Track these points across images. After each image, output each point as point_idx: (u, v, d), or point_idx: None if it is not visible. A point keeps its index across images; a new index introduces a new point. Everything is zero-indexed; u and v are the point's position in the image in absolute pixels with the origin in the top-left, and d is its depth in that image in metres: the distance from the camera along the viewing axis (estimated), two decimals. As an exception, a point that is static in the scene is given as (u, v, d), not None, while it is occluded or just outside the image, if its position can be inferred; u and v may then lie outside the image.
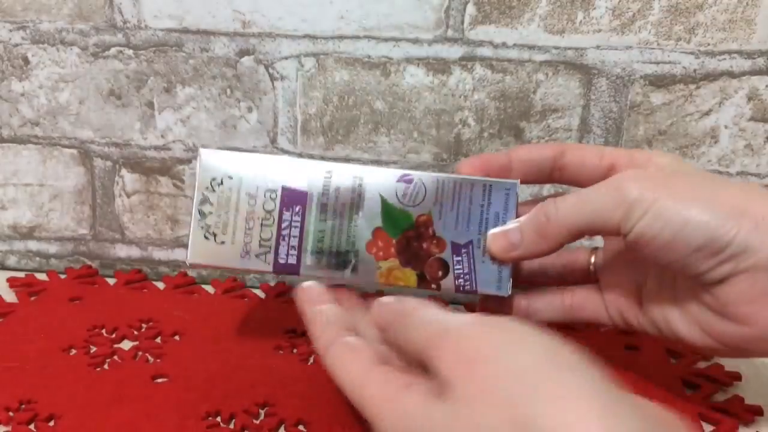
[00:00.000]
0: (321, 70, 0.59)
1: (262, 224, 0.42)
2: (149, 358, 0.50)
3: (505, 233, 0.40)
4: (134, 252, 0.66)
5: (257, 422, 0.43)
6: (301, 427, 0.43)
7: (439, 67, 0.58)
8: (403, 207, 0.42)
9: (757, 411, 0.45)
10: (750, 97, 0.56)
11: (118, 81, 0.62)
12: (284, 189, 0.42)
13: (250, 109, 0.61)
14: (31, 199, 0.65)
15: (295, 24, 0.58)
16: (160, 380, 0.47)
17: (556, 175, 0.42)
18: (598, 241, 0.47)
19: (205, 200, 0.42)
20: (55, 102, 0.63)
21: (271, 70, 0.60)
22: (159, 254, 0.66)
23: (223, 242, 0.42)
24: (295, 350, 0.51)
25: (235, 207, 0.42)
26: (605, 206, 0.36)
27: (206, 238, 0.42)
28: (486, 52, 0.57)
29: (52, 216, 0.65)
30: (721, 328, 0.35)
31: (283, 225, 0.42)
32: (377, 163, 0.61)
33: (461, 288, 0.42)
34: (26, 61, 0.62)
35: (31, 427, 0.43)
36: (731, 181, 0.41)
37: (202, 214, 0.42)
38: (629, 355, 0.52)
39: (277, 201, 0.42)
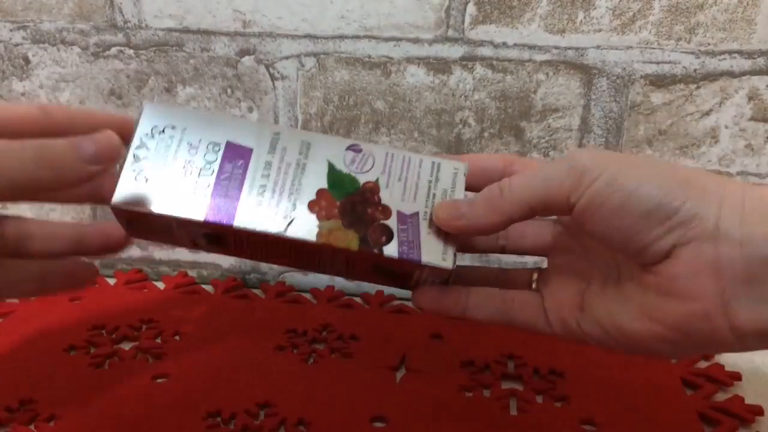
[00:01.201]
0: (321, 70, 0.59)
1: (200, 173, 0.40)
2: (149, 358, 0.50)
3: (454, 202, 0.39)
4: (134, 252, 0.66)
5: (257, 422, 0.43)
6: (301, 427, 0.43)
7: (439, 66, 0.58)
8: (351, 172, 0.41)
9: (757, 411, 0.45)
10: (750, 96, 0.56)
11: (119, 81, 0.62)
12: (229, 143, 0.41)
13: (250, 109, 0.61)
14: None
15: (295, 24, 0.58)
16: (160, 380, 0.48)
17: None
18: (543, 263, 0.46)
19: (142, 145, 0.40)
20: (56, 101, 0.63)
21: (271, 70, 0.60)
22: (159, 254, 0.66)
23: (153, 188, 0.40)
24: (295, 350, 0.52)
25: (173, 154, 0.40)
26: (556, 176, 0.35)
27: (137, 180, 0.40)
28: (486, 51, 0.57)
29: (52, 216, 0.65)
30: (666, 307, 0.34)
31: (222, 176, 0.40)
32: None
33: (404, 255, 0.40)
34: (27, 60, 0.62)
35: (31, 427, 0.43)
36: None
37: (136, 158, 0.40)
38: (629, 355, 0.52)
39: (220, 153, 0.41)
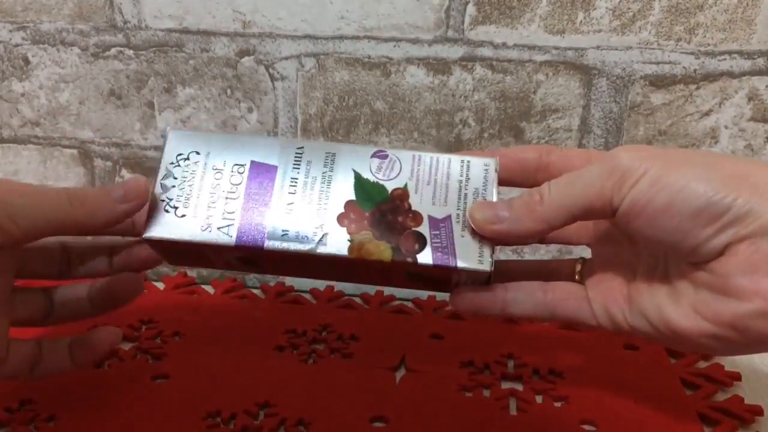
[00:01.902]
0: (321, 71, 0.59)
1: (227, 198, 0.40)
2: (149, 358, 0.50)
3: (492, 204, 0.38)
4: (134, 252, 0.66)
5: (257, 422, 0.43)
6: (301, 427, 0.43)
7: (439, 67, 0.58)
8: (378, 180, 0.40)
9: (757, 411, 0.45)
10: (750, 97, 0.56)
11: (119, 81, 0.62)
12: (253, 163, 0.40)
13: (250, 110, 0.61)
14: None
15: (295, 24, 0.58)
16: (160, 380, 0.47)
17: (540, 176, 0.40)
18: (587, 253, 0.45)
19: (168, 174, 0.40)
20: (56, 102, 0.63)
21: (271, 71, 0.60)
22: (159, 254, 0.66)
23: (184, 215, 0.40)
24: (295, 350, 0.51)
25: (200, 180, 0.40)
26: (598, 177, 0.34)
27: (167, 211, 0.40)
28: (486, 52, 0.57)
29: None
30: (720, 306, 0.32)
31: (250, 197, 0.40)
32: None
33: (439, 261, 0.38)
34: (26, 61, 0.62)
35: (31, 427, 0.43)
36: (731, 155, 0.38)
37: (164, 187, 0.40)
38: (629, 355, 0.52)
39: (245, 174, 0.40)
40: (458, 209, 0.39)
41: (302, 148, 0.41)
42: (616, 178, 0.33)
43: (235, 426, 0.43)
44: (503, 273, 0.40)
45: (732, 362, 0.51)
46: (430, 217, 0.39)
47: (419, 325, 0.55)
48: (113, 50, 0.61)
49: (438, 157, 0.40)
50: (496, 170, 0.40)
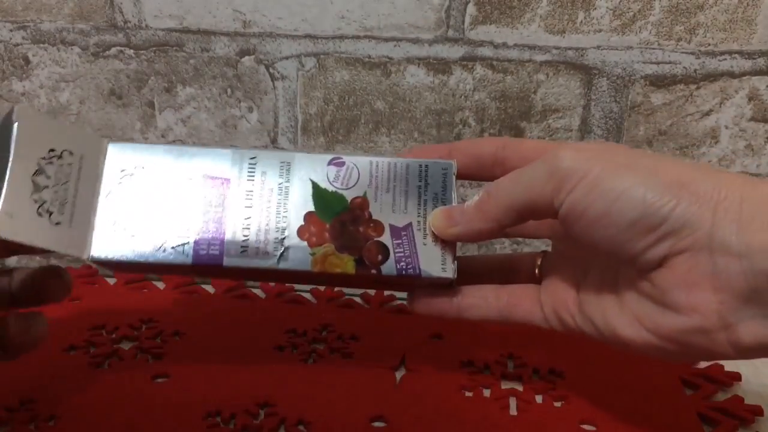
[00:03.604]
0: (321, 70, 0.59)
1: (180, 215, 0.38)
2: (149, 358, 0.50)
3: (447, 209, 0.37)
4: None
5: (257, 422, 0.43)
6: (301, 427, 0.43)
7: (439, 67, 0.58)
8: (336, 190, 0.39)
9: (757, 411, 0.45)
10: (750, 97, 0.56)
11: (119, 81, 0.62)
12: (205, 177, 0.38)
13: (250, 109, 0.61)
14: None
15: (295, 24, 0.58)
16: (160, 380, 0.47)
17: (497, 171, 0.39)
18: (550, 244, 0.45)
19: (111, 192, 0.37)
20: (56, 102, 0.63)
21: (271, 70, 0.60)
22: (159, 254, 0.66)
23: (134, 235, 0.37)
24: (295, 350, 0.51)
25: (148, 197, 0.38)
26: (538, 178, 0.33)
27: (115, 231, 0.37)
28: (486, 52, 0.57)
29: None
30: (660, 319, 0.32)
31: (204, 215, 0.38)
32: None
33: (403, 271, 0.38)
34: (27, 60, 0.62)
35: (31, 427, 0.43)
36: (679, 158, 0.37)
37: (109, 206, 0.37)
38: (628, 355, 0.52)
39: (198, 190, 0.38)
40: (419, 216, 0.39)
41: (255, 158, 0.39)
42: (556, 180, 0.32)
43: (235, 426, 0.43)
44: (466, 269, 0.40)
45: (732, 362, 0.51)
46: (392, 226, 0.39)
47: (419, 325, 0.55)
48: (113, 50, 0.61)
49: (396, 163, 0.39)
50: (454, 173, 0.39)
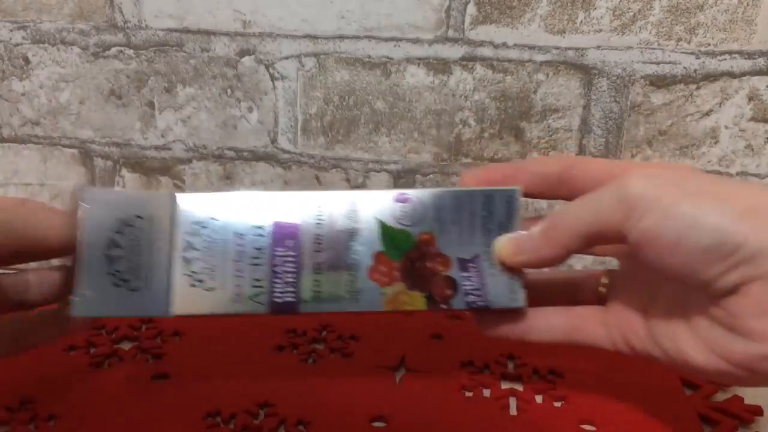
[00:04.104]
0: (321, 70, 0.59)
1: (252, 264, 0.38)
2: (149, 358, 0.50)
3: (514, 237, 0.37)
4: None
5: (257, 422, 0.43)
6: (301, 427, 0.43)
7: (439, 67, 0.58)
8: (403, 227, 0.39)
9: (756, 411, 0.45)
10: (750, 97, 0.56)
11: (119, 81, 0.62)
12: (274, 225, 0.39)
13: (250, 109, 0.61)
14: (31, 198, 0.65)
15: (295, 24, 0.58)
16: (160, 380, 0.47)
17: (563, 190, 0.39)
18: (614, 263, 0.45)
19: (188, 246, 0.38)
20: (56, 102, 0.63)
21: (271, 70, 0.60)
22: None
23: (211, 288, 0.38)
24: (295, 350, 0.51)
25: (223, 249, 0.38)
26: (607, 205, 0.33)
27: (193, 286, 0.38)
28: (486, 52, 0.57)
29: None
30: (731, 346, 0.32)
31: (276, 262, 0.39)
32: (378, 162, 0.61)
33: (473, 304, 0.39)
34: (27, 60, 0.62)
35: (31, 427, 0.43)
36: (748, 183, 0.37)
37: (186, 261, 0.38)
38: (628, 355, 0.52)
39: (268, 238, 0.39)
40: (486, 246, 0.39)
41: (321, 201, 0.39)
42: (625, 208, 0.33)
43: (235, 426, 0.43)
44: (530, 288, 0.40)
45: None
46: (459, 259, 0.39)
47: (419, 325, 0.55)
48: (113, 50, 0.61)
49: (460, 194, 0.39)
50: (518, 201, 0.39)
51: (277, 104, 0.61)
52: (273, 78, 0.60)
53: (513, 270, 0.38)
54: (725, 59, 0.55)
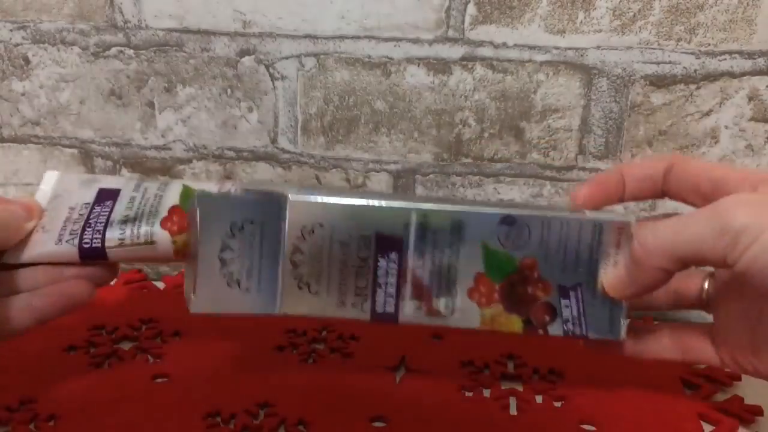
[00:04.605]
0: (321, 70, 0.59)
1: (356, 272, 0.39)
2: (149, 358, 0.50)
3: (618, 273, 0.37)
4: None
5: (257, 422, 0.43)
6: (300, 427, 0.43)
7: (439, 67, 0.58)
8: (506, 251, 0.39)
9: (756, 411, 0.45)
10: (750, 97, 0.56)
11: (119, 81, 0.62)
12: (378, 235, 0.39)
13: (250, 109, 0.61)
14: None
15: (295, 24, 0.58)
16: (160, 380, 0.48)
17: (664, 190, 0.39)
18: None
19: (296, 250, 0.39)
20: (56, 102, 0.63)
21: (271, 70, 0.60)
22: (159, 254, 0.66)
23: (317, 292, 0.39)
24: (294, 350, 0.52)
25: (327, 256, 0.39)
26: (707, 235, 0.32)
27: (300, 288, 0.39)
28: (486, 52, 0.57)
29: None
30: None
31: (379, 272, 0.39)
32: (378, 162, 0.61)
33: (570, 333, 0.39)
34: (27, 60, 0.62)
35: (31, 427, 0.43)
36: None
37: (294, 264, 0.39)
38: (628, 356, 0.52)
39: (372, 248, 0.39)
40: (589, 276, 0.38)
41: (426, 215, 0.39)
42: (729, 238, 0.32)
43: (235, 426, 0.43)
44: (634, 302, 0.40)
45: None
46: (560, 286, 0.39)
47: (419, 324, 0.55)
48: (113, 50, 0.61)
49: (569, 221, 0.39)
50: (630, 232, 0.38)
51: (277, 104, 0.61)
52: (273, 78, 0.60)
53: (615, 301, 0.38)
54: (725, 59, 0.55)
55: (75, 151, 0.64)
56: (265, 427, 0.42)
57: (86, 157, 0.64)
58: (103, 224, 0.41)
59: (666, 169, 0.38)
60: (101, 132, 0.63)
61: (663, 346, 0.39)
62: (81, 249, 0.41)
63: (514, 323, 0.39)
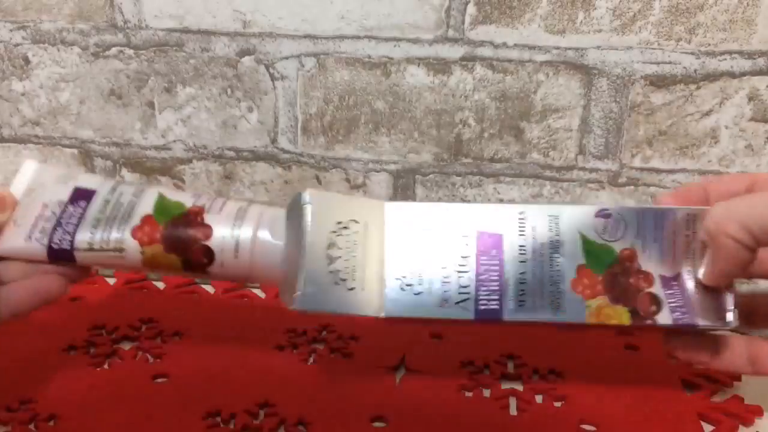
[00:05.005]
0: (321, 70, 0.59)
1: (459, 271, 0.40)
2: (149, 358, 0.50)
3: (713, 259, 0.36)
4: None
5: (257, 422, 0.43)
6: (300, 427, 0.43)
7: (439, 67, 0.58)
8: (605, 242, 0.39)
9: (756, 411, 0.45)
10: (750, 97, 0.56)
11: (119, 81, 0.62)
12: (479, 234, 0.40)
13: (250, 109, 0.61)
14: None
15: (295, 24, 0.58)
16: (160, 380, 0.48)
17: None
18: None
19: (398, 251, 0.40)
20: (56, 102, 0.63)
21: (271, 70, 0.60)
22: (159, 254, 0.66)
23: (420, 293, 0.39)
24: (295, 350, 0.52)
25: (430, 255, 0.40)
26: None
27: (402, 290, 0.39)
28: (486, 52, 0.57)
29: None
30: None
31: (481, 270, 0.39)
32: (378, 162, 0.61)
33: (680, 321, 0.39)
34: (27, 60, 0.62)
35: (31, 426, 0.43)
36: None
37: (396, 265, 0.40)
38: (629, 355, 0.52)
39: (473, 247, 0.40)
40: (688, 266, 0.39)
41: (524, 212, 0.40)
42: None
43: (235, 426, 0.43)
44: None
45: (732, 362, 0.51)
46: (662, 277, 0.39)
47: (419, 325, 0.55)
48: (113, 50, 0.61)
49: (663, 212, 0.39)
50: None
51: (277, 104, 0.61)
52: (273, 78, 0.60)
53: (721, 288, 0.38)
54: (725, 59, 0.55)
55: (75, 151, 0.64)
56: (265, 427, 0.42)
57: (86, 157, 0.64)
58: (74, 225, 0.40)
59: (748, 187, 0.38)
60: (101, 132, 0.63)
61: (739, 356, 0.39)
62: (50, 249, 0.40)
63: (621, 315, 0.39)
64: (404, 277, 0.39)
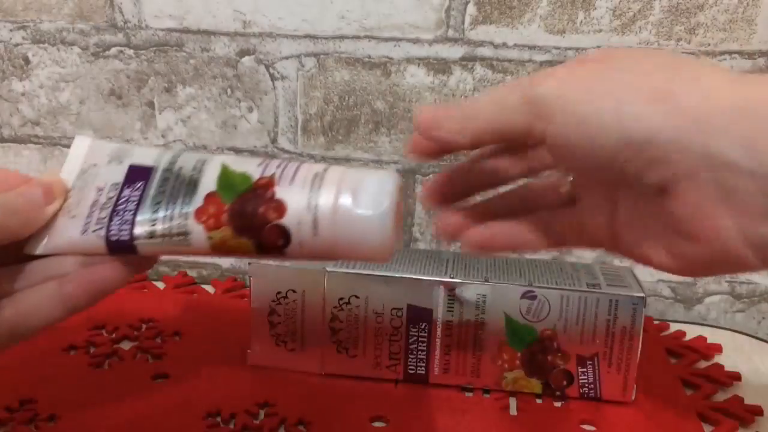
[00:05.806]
0: (321, 70, 0.59)
1: (390, 340, 0.45)
2: (149, 358, 0.50)
3: (434, 110, 0.34)
4: (134, 252, 0.66)
5: (257, 422, 0.43)
6: (301, 427, 0.43)
7: (439, 67, 0.58)
8: (528, 323, 0.43)
9: (756, 411, 0.45)
10: (750, 97, 0.56)
11: (119, 81, 0.62)
12: (408, 307, 0.44)
13: (250, 109, 0.61)
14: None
15: (295, 24, 0.58)
16: (160, 380, 0.47)
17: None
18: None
19: (335, 318, 0.45)
20: (56, 102, 0.63)
21: (271, 70, 0.60)
22: (159, 254, 0.66)
23: (355, 356, 0.46)
24: (295, 350, 0.51)
25: (363, 324, 0.45)
26: (510, 108, 0.30)
27: (339, 352, 0.46)
28: (486, 52, 0.57)
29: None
30: (685, 249, 0.29)
31: (411, 340, 0.45)
32: (378, 162, 0.61)
33: (585, 395, 0.44)
34: (27, 60, 0.62)
35: (31, 427, 0.43)
36: (667, 57, 0.31)
37: (333, 330, 0.45)
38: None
39: (404, 318, 0.45)
40: (605, 347, 0.43)
41: (453, 289, 0.44)
42: (531, 110, 0.29)
43: (235, 426, 0.42)
44: (483, 214, 0.37)
45: (732, 363, 0.51)
46: (578, 356, 0.43)
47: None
48: (113, 50, 0.61)
49: (587, 297, 0.43)
50: (643, 307, 0.43)
51: (277, 104, 0.61)
52: (273, 78, 0.60)
53: (628, 369, 0.44)
54: (725, 59, 0.55)
55: (75, 151, 0.64)
56: (265, 427, 0.42)
57: (86, 157, 0.64)
58: (131, 213, 0.35)
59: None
60: (101, 132, 0.63)
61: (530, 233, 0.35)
62: (107, 241, 0.35)
63: (534, 386, 0.44)
64: (340, 341, 0.46)
